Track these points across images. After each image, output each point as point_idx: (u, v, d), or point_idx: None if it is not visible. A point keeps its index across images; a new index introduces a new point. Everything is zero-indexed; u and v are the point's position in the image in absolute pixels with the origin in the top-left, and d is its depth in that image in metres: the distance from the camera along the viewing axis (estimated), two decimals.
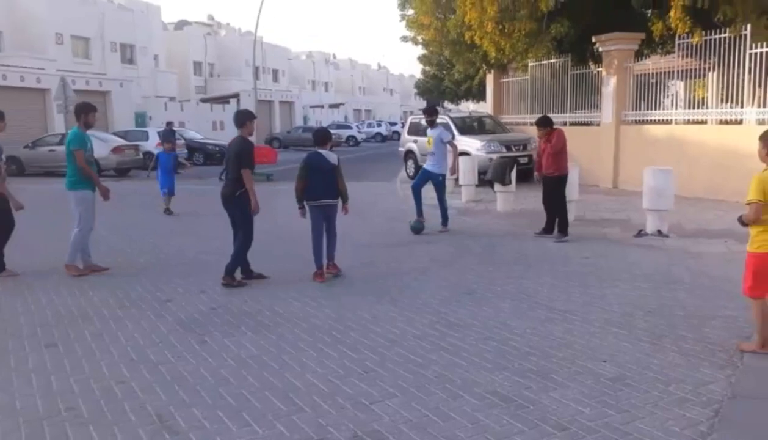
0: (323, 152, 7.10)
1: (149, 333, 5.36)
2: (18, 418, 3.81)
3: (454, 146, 10.62)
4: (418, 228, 9.92)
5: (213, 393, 4.14)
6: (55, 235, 9.56)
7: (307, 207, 7.03)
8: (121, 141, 22.44)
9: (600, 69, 15.65)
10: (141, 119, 33.04)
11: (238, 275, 6.89)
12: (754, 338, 4.73)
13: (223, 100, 42.25)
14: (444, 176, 10.22)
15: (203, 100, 42.24)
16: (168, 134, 21.04)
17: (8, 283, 7.11)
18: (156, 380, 4.36)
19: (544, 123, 9.45)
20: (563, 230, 9.30)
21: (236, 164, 6.73)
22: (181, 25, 58.49)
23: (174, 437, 3.56)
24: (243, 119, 6.93)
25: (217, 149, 27.64)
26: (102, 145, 21.54)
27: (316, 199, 6.97)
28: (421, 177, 10.44)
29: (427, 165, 10.28)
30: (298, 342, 5.05)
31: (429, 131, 10.31)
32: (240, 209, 6.80)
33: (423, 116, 12.10)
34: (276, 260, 7.89)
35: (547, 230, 9.47)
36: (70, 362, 4.71)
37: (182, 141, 24.27)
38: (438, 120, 10.82)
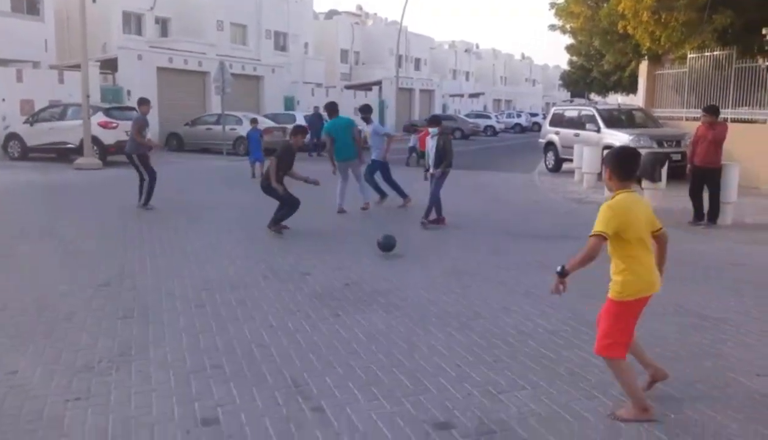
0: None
1: (288, 302, 5.62)
2: (169, 370, 4.13)
3: (390, 137, 11.88)
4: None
5: (344, 364, 4.26)
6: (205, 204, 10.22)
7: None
8: (270, 123, 23.60)
9: None
10: (289, 103, 34.52)
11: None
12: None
13: (366, 87, 43.19)
14: (381, 162, 11.49)
15: (347, 87, 43.40)
16: (314, 119, 21.90)
17: (167, 245, 7.73)
18: (292, 347, 4.56)
19: (714, 111, 9.38)
20: (714, 218, 9.19)
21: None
22: (331, 14, 60.36)
23: (306, 402, 3.71)
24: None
25: (358, 133, 28.39)
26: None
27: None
28: (372, 169, 11.60)
29: (373, 156, 11.68)
30: (428, 325, 5.07)
31: (365, 127, 11.95)
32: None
33: (564, 108, 12.90)
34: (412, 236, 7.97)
35: (698, 217, 9.40)
36: (216, 323, 5.05)
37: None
38: (584, 111, 10.77)
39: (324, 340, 4.71)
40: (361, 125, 12.05)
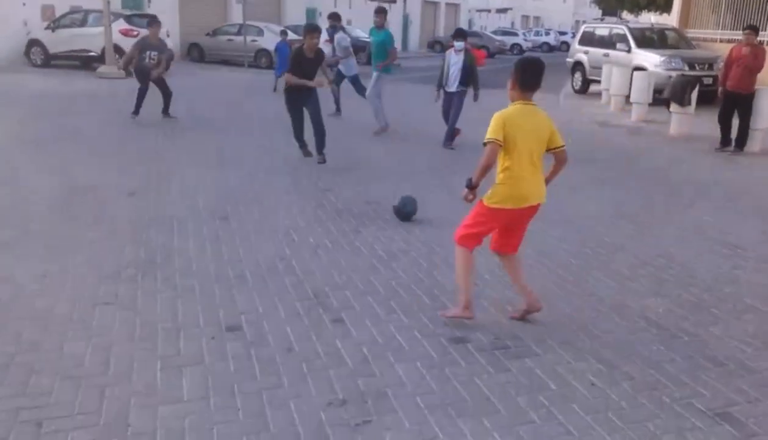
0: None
1: (310, 218, 5.68)
2: (193, 279, 4.25)
3: (346, 49, 11.58)
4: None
5: (364, 279, 4.35)
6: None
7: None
8: (292, 36, 23.09)
9: None
10: (311, 14, 33.67)
11: None
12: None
13: (390, 0, 41.87)
14: (346, 75, 11.46)
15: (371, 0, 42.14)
16: (334, 31, 21.35)
17: (192, 156, 7.78)
18: (314, 261, 4.65)
19: (755, 30, 8.98)
20: (741, 145, 9.02)
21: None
22: None
23: (327, 313, 3.81)
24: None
25: None
26: (275, 38, 22.42)
27: None
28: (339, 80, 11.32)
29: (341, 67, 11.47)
30: (447, 243, 5.09)
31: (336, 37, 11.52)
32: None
33: (595, 26, 12.30)
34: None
35: (726, 143, 9.20)
36: (240, 236, 5.14)
37: (349, 39, 24.52)
38: (615, 30, 10.47)
39: (345, 255, 4.78)
40: (327, 34, 11.60)
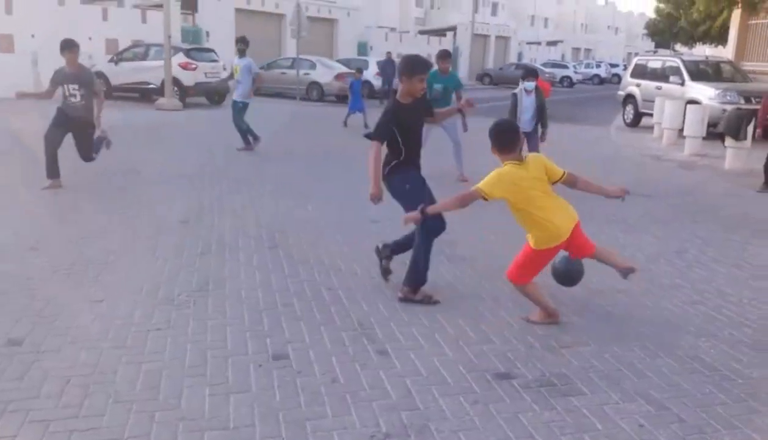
0: None
1: (358, 248, 5.75)
2: (243, 306, 4.35)
3: (260, 76, 11.55)
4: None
5: (409, 311, 4.37)
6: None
7: None
8: (343, 69, 23.60)
9: None
10: (363, 48, 34.34)
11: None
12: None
13: (440, 33, 42.38)
14: (245, 103, 10.93)
15: (421, 33, 42.73)
16: (387, 65, 21.75)
17: (247, 185, 7.99)
18: (360, 291, 4.70)
19: None
20: None
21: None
22: None
23: (372, 344, 3.85)
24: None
25: None
26: (326, 71, 22.95)
27: None
28: (235, 109, 11.01)
29: (235, 96, 11.00)
30: (494, 277, 5.09)
31: (236, 61, 10.96)
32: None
33: (648, 58, 11.51)
34: None
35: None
36: (288, 264, 5.24)
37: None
38: (668, 63, 10.06)
39: (391, 287, 4.82)
40: (231, 59, 11.38)
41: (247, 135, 11.03)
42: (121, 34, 21.66)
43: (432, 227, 4.50)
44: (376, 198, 4.50)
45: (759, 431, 3.07)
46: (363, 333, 4.01)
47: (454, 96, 8.97)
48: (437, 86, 8.84)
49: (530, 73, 8.92)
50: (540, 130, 8.75)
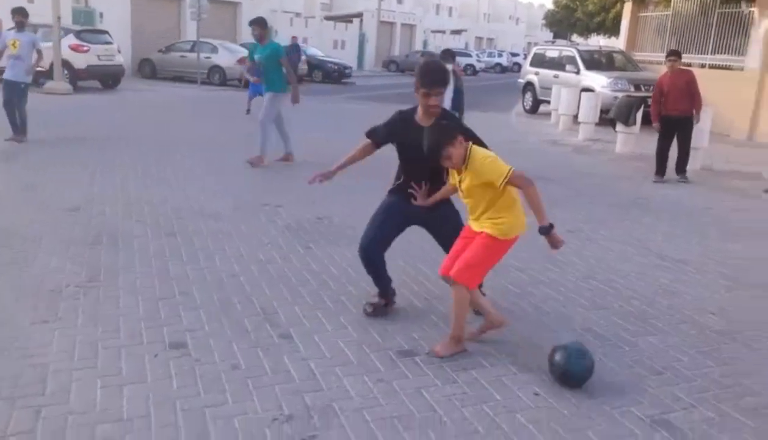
0: None
1: (260, 234, 5.64)
2: (138, 296, 4.16)
3: (40, 52, 9.87)
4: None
5: (314, 294, 4.33)
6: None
7: None
8: (245, 52, 23.03)
9: (753, 9, 14.23)
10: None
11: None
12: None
13: (347, 19, 42.20)
14: (27, 84, 9.57)
15: (327, 18, 42.37)
16: (292, 50, 21.40)
17: (138, 172, 7.65)
18: (263, 277, 4.61)
19: (679, 55, 8.99)
20: (683, 170, 9.12)
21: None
22: None
23: (275, 329, 3.78)
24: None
25: (335, 67, 28.08)
26: (229, 55, 22.34)
27: None
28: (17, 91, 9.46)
29: (8, 74, 9.38)
30: (397, 259, 5.12)
31: (13, 34, 9.50)
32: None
33: (546, 48, 11.79)
34: None
35: (662, 173, 9.16)
36: (187, 252, 5.06)
37: (304, 57, 24.59)
38: (565, 52, 10.42)
39: (295, 271, 4.76)
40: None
41: (24, 125, 9.50)
42: (6, 16, 20.16)
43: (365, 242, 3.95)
44: (318, 176, 4.03)
45: (643, 394, 3.25)
46: (266, 318, 3.94)
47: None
48: (257, 57, 8.69)
49: (448, 54, 8.72)
50: (457, 115, 8.65)
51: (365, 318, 3.99)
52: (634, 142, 11.37)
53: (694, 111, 8.90)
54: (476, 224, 3.59)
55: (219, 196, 6.89)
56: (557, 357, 3.28)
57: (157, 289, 4.29)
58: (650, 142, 10.90)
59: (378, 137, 3.98)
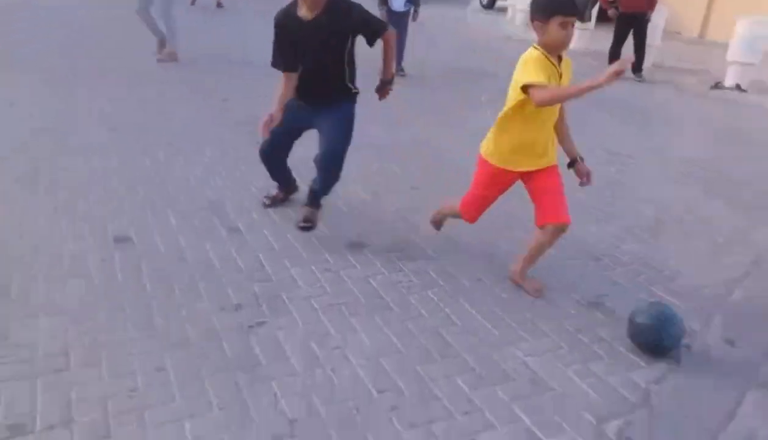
0: None
1: (208, 128, 5.49)
2: (76, 195, 4.05)
3: None
4: None
5: (264, 191, 4.27)
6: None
7: None
8: None
9: None
10: None
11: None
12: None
13: None
14: None
15: None
16: None
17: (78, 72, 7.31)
18: (210, 176, 4.53)
19: None
20: (640, 69, 9.14)
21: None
22: None
23: (222, 223, 3.75)
24: None
25: None
26: None
27: None
28: None
29: None
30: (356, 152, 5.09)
31: None
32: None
33: None
34: None
35: None
36: (132, 150, 4.92)
37: None
38: None
39: (243, 165, 4.69)
40: None
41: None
42: None
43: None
44: (267, 124, 3.63)
45: (583, 279, 3.38)
46: (213, 213, 3.90)
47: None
48: None
49: None
50: (412, 9, 8.10)
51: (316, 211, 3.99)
52: (588, 38, 11.29)
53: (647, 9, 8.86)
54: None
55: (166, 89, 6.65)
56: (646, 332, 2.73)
57: (103, 188, 4.19)
58: (605, 39, 10.86)
59: (283, 65, 3.64)
